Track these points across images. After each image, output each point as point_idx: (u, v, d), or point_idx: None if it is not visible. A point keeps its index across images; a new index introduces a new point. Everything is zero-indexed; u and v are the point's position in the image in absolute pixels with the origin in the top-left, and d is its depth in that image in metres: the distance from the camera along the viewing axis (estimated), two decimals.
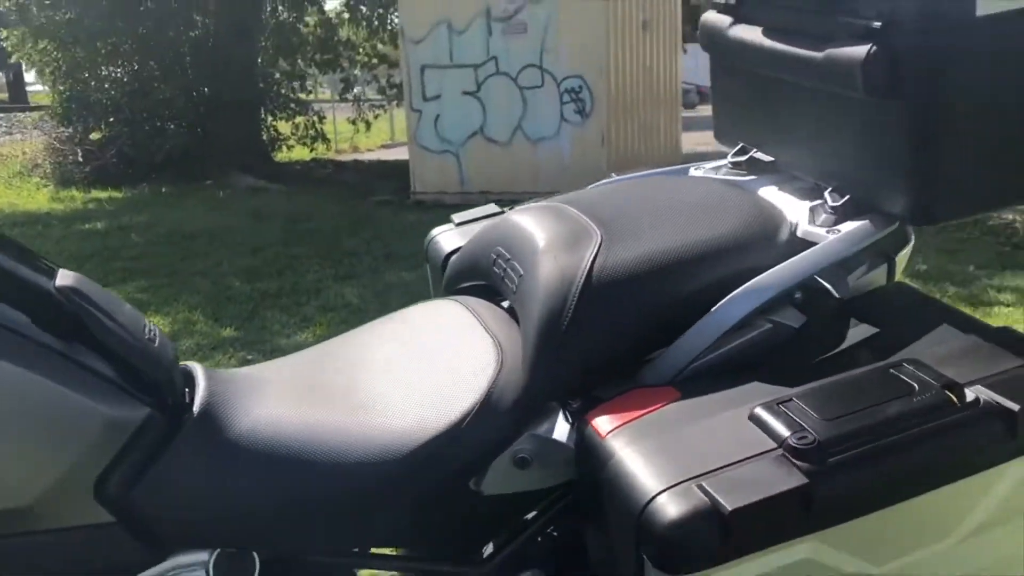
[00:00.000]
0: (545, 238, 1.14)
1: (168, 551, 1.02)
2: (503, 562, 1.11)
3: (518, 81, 9.25)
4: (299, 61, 13.09)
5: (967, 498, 0.90)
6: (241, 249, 6.40)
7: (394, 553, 1.17)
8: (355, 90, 13.89)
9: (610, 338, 1.06)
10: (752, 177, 1.31)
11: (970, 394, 0.90)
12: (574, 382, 1.06)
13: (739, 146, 1.36)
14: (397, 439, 1.04)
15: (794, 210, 1.18)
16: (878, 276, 1.18)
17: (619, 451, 0.93)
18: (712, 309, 1.06)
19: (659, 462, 0.89)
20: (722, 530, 0.82)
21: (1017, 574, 0.94)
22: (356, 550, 1.10)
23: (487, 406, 1.05)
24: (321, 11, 13.28)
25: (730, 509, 0.82)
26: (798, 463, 0.85)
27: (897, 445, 0.87)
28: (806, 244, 1.12)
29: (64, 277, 0.98)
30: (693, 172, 1.38)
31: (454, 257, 1.38)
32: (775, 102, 1.24)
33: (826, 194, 1.16)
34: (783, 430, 0.88)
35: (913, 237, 1.22)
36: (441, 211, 9.26)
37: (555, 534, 1.17)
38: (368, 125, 13.89)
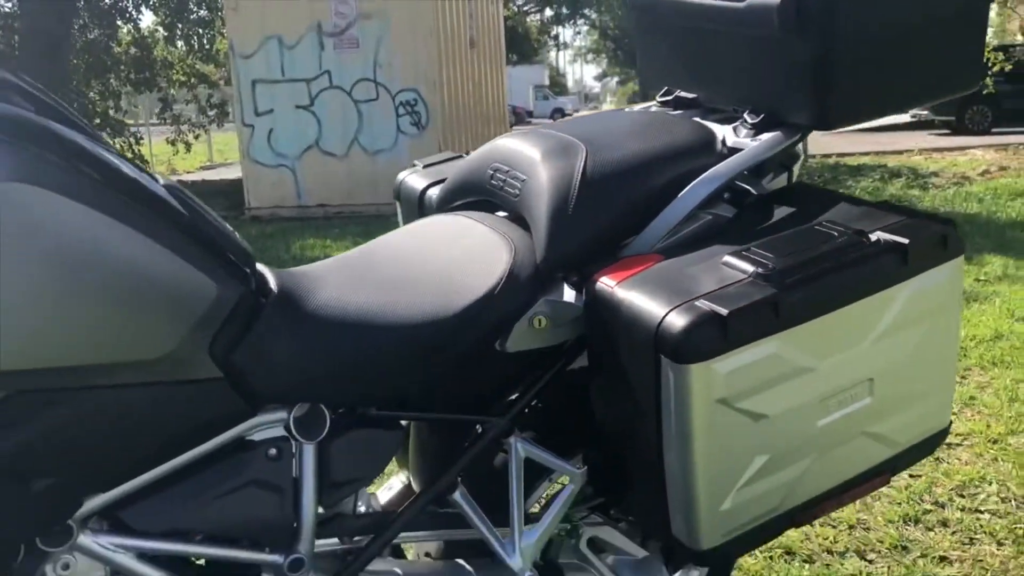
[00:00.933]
0: (541, 151, 1.43)
1: (258, 407, 1.24)
2: (517, 414, 1.39)
3: (352, 95, 9.46)
4: (112, 81, 12.72)
5: (875, 310, 1.26)
6: None
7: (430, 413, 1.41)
8: (173, 110, 13.61)
9: (603, 221, 1.36)
10: (681, 111, 1.65)
11: (873, 236, 1.27)
12: (576, 258, 1.35)
13: (664, 89, 1.70)
14: (441, 308, 1.30)
15: (721, 128, 1.53)
16: (780, 181, 1.55)
17: (629, 294, 1.23)
18: (677, 196, 1.39)
19: (663, 293, 1.20)
20: (721, 328, 1.14)
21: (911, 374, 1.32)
22: (406, 404, 1.34)
23: (508, 280, 1.32)
24: (136, 29, 12.96)
25: (726, 312, 1.14)
26: (765, 284, 1.18)
27: (829, 270, 1.22)
28: (735, 151, 1.46)
29: (166, 181, 1.19)
30: (628, 110, 1.71)
31: (446, 181, 1.64)
32: (695, 48, 1.58)
33: (745, 115, 1.51)
34: (750, 266, 1.22)
35: (803, 154, 1.60)
36: (280, 224, 9.31)
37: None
38: (188, 146, 13.63)
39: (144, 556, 1.19)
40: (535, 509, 1.50)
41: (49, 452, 1.06)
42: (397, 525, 1.36)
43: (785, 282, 1.18)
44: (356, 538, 1.35)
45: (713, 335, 1.14)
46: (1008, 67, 10.04)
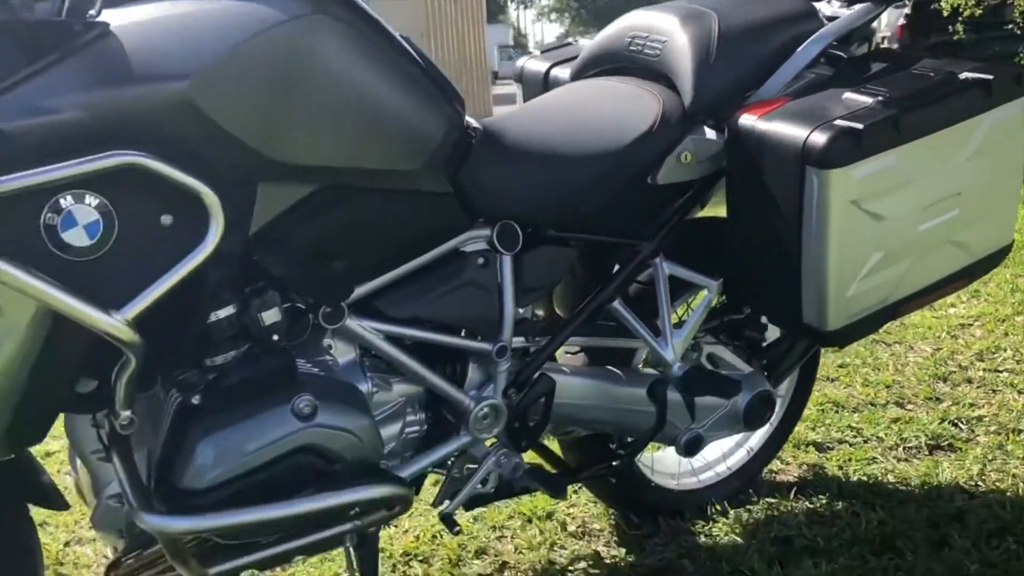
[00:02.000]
0: (678, 18, 1.72)
1: (470, 223, 1.52)
2: (663, 238, 1.69)
3: None
4: None
5: (965, 134, 1.57)
6: None
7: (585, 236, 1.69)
8: None
9: (736, 73, 1.65)
10: None
11: (962, 75, 1.58)
12: (715, 104, 1.64)
13: None
14: (611, 143, 1.59)
15: (816, 2, 1.83)
16: (862, 50, 1.86)
17: (772, 123, 1.53)
18: (793, 54, 1.68)
19: (804, 118, 1.50)
20: (857, 140, 1.44)
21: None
22: (578, 227, 1.63)
23: (662, 121, 1.62)
24: None
25: (861, 126, 1.44)
26: (885, 108, 1.49)
27: (932, 99, 1.53)
28: (833, 18, 1.76)
29: (398, 34, 1.46)
30: None
31: (582, 55, 1.91)
32: None
33: None
34: (869, 98, 1.52)
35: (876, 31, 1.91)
36: None
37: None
38: None
39: (389, 339, 1.48)
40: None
41: (339, 241, 1.35)
42: (568, 329, 1.66)
43: (902, 106, 1.49)
44: (537, 338, 1.64)
45: (851, 145, 1.44)
46: (978, 12, 10.43)
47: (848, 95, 1.55)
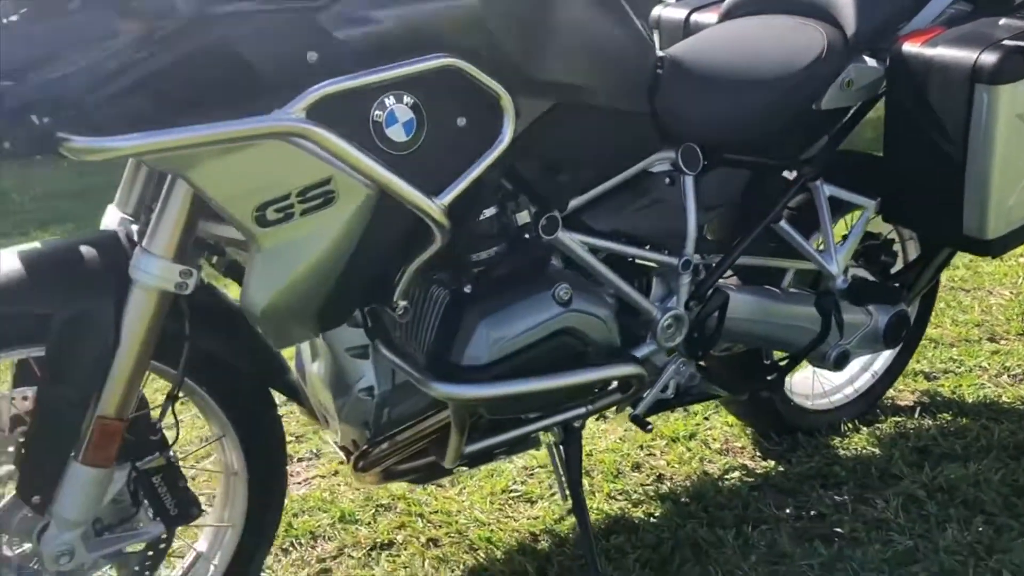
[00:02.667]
0: None
1: (659, 145, 1.67)
2: (823, 161, 1.84)
3: None
4: None
5: None
6: None
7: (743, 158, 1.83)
8: None
9: (893, 5, 1.80)
10: None
11: None
12: (875, 34, 1.79)
13: None
14: (782, 70, 1.73)
15: None
16: None
17: (936, 48, 1.67)
18: None
19: (969, 42, 1.64)
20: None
21: None
22: (749, 150, 1.78)
23: (828, 50, 1.76)
24: None
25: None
26: None
27: None
28: None
29: None
30: None
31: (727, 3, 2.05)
32: None
33: None
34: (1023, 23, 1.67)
35: None
36: None
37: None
38: None
39: (591, 249, 1.61)
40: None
41: (564, 154, 1.50)
42: (741, 247, 1.80)
43: None
44: (710, 256, 1.79)
45: (1019, 63, 1.59)
46: None
47: (1004, 22, 1.70)
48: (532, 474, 2.14)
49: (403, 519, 1.97)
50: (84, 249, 1.35)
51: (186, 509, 1.45)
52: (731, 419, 2.32)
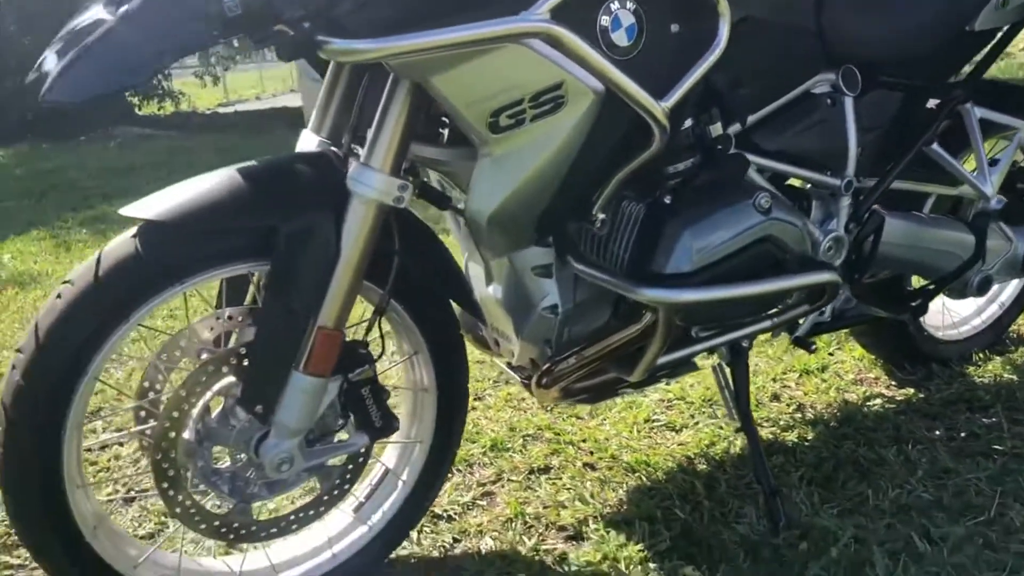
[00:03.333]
0: None
1: (820, 67, 1.69)
2: (973, 84, 1.86)
3: None
4: None
5: None
6: None
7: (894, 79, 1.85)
8: None
9: None
10: None
11: None
12: None
13: None
14: None
15: None
16: None
17: None
18: None
19: None
20: None
21: None
22: (903, 73, 1.80)
23: None
24: None
25: None
26: None
27: None
28: None
29: None
30: None
31: None
32: None
33: None
34: None
35: None
36: None
37: None
38: (216, 80, 13.85)
39: (759, 170, 1.64)
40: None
41: (747, 68, 1.52)
42: (896, 170, 1.83)
43: None
44: (865, 179, 1.81)
45: None
46: None
47: None
48: (670, 405, 2.18)
49: (553, 447, 2.02)
50: (301, 166, 1.40)
51: (388, 422, 1.50)
52: (858, 352, 2.35)
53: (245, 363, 1.38)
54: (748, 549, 1.59)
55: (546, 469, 1.96)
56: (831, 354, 2.39)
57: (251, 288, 1.51)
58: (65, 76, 1.17)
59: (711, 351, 1.68)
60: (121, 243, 1.34)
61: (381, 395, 1.48)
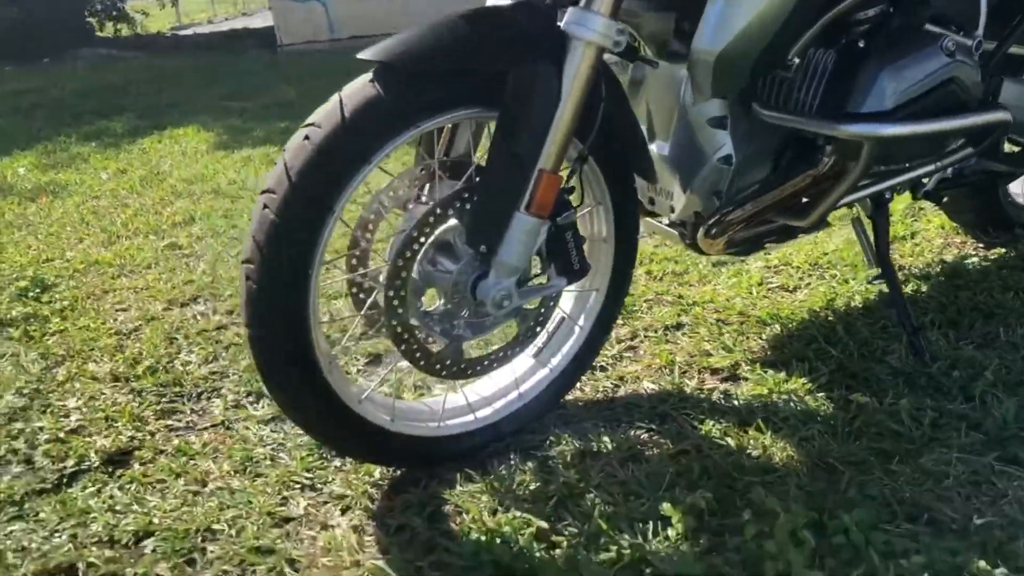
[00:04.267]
0: None
1: None
2: None
3: None
4: None
5: None
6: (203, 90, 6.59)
7: None
8: None
9: None
10: None
11: None
12: None
13: None
14: None
15: None
16: None
17: None
18: None
19: None
20: None
21: None
22: None
23: None
24: None
25: None
26: None
27: None
28: None
29: None
30: None
31: None
32: None
33: None
34: None
35: None
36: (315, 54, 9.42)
37: None
38: (175, 1, 13.50)
39: None
40: None
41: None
42: (1014, 35, 1.94)
43: None
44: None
45: None
46: None
47: None
48: (778, 270, 2.32)
49: (679, 308, 2.15)
50: (515, 14, 1.47)
51: (584, 266, 1.60)
52: (937, 221, 2.51)
53: (470, 206, 1.47)
54: (904, 379, 1.74)
55: (679, 326, 2.09)
56: (913, 223, 2.54)
57: (441, 140, 1.58)
58: None
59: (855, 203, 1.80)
60: (361, 87, 1.40)
61: (579, 240, 1.59)
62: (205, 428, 1.92)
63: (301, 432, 1.78)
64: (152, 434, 1.90)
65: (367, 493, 1.62)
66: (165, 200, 3.73)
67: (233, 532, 1.55)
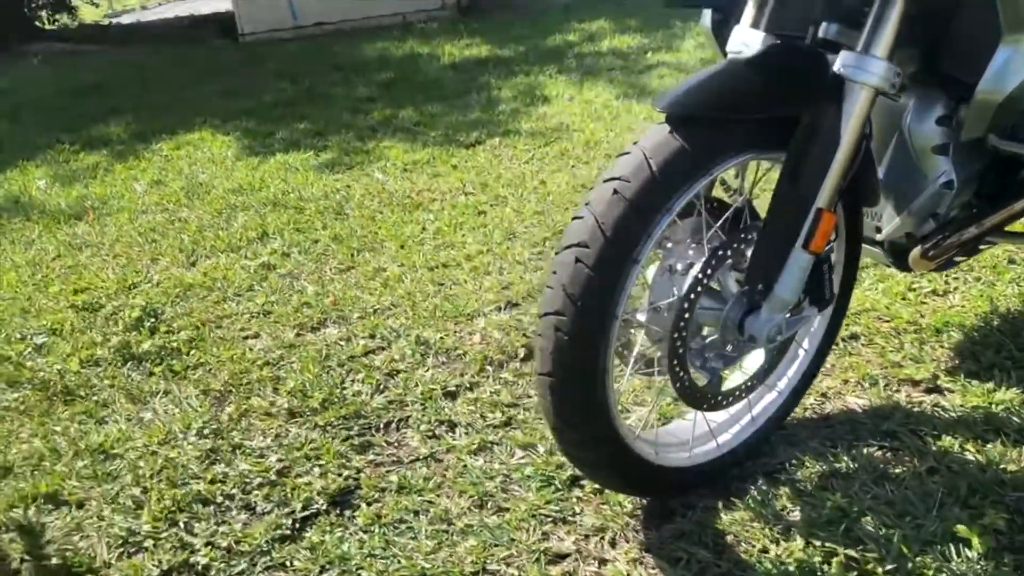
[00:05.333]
0: None
1: None
2: None
3: None
4: None
5: None
6: (198, 86, 6.47)
7: None
8: None
9: None
10: None
11: None
12: None
13: None
14: None
15: None
16: None
17: None
18: None
19: None
20: None
21: None
22: None
23: None
24: None
25: None
26: None
27: None
28: None
29: None
30: None
31: None
32: None
33: None
34: None
35: None
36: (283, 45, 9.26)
37: None
38: None
39: None
40: None
41: None
42: None
43: None
44: None
45: None
46: None
47: None
48: (919, 274, 2.42)
49: (847, 319, 2.22)
50: (790, 59, 1.52)
51: (833, 294, 1.67)
52: None
53: (751, 246, 1.52)
54: None
55: (855, 337, 2.17)
56: None
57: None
58: None
59: None
60: (662, 139, 1.43)
61: (831, 269, 1.65)
62: (414, 461, 1.93)
63: (521, 461, 1.82)
64: (360, 470, 1.92)
65: (627, 524, 1.66)
66: (223, 213, 3.68)
67: (515, 571, 1.58)
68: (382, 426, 2.08)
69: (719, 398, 1.64)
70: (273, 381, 2.30)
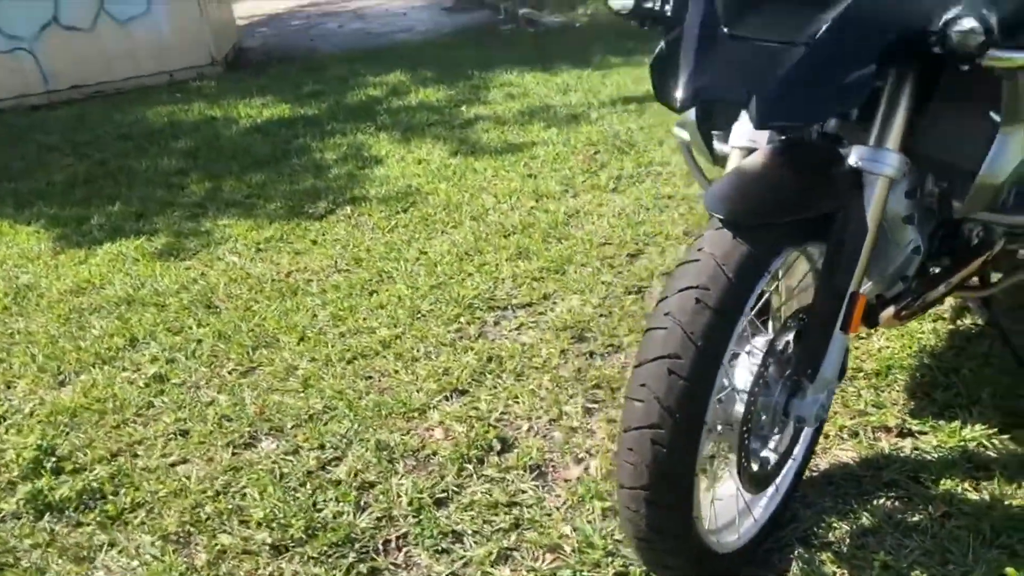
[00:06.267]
0: None
1: None
2: None
3: None
4: None
5: None
6: None
7: None
8: None
9: None
10: None
11: None
12: None
13: None
14: None
15: None
16: None
17: None
18: None
19: None
20: None
21: None
22: None
23: None
24: None
25: None
26: None
27: None
28: None
29: None
30: None
31: None
32: None
33: None
34: None
35: None
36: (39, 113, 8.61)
37: None
38: None
39: None
40: None
41: None
42: None
43: None
44: None
45: None
46: None
47: None
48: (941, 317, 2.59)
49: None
50: (810, 155, 1.62)
51: (845, 370, 1.78)
52: None
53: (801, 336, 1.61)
54: None
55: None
56: None
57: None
58: (781, 102, 1.33)
59: None
60: (729, 246, 1.48)
61: (848, 348, 1.76)
62: None
63: (553, 565, 1.81)
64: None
65: None
66: (72, 320, 3.35)
67: None
68: (380, 548, 1.98)
69: (766, 478, 1.71)
70: (236, 513, 2.12)
